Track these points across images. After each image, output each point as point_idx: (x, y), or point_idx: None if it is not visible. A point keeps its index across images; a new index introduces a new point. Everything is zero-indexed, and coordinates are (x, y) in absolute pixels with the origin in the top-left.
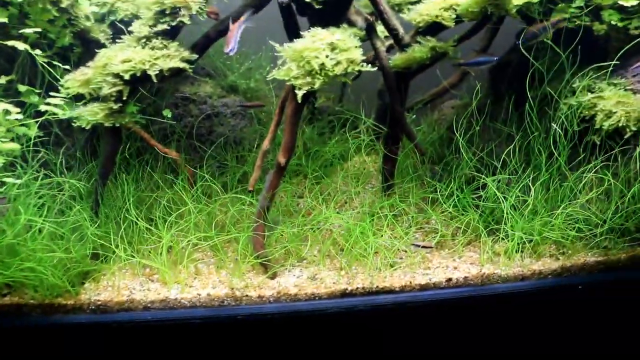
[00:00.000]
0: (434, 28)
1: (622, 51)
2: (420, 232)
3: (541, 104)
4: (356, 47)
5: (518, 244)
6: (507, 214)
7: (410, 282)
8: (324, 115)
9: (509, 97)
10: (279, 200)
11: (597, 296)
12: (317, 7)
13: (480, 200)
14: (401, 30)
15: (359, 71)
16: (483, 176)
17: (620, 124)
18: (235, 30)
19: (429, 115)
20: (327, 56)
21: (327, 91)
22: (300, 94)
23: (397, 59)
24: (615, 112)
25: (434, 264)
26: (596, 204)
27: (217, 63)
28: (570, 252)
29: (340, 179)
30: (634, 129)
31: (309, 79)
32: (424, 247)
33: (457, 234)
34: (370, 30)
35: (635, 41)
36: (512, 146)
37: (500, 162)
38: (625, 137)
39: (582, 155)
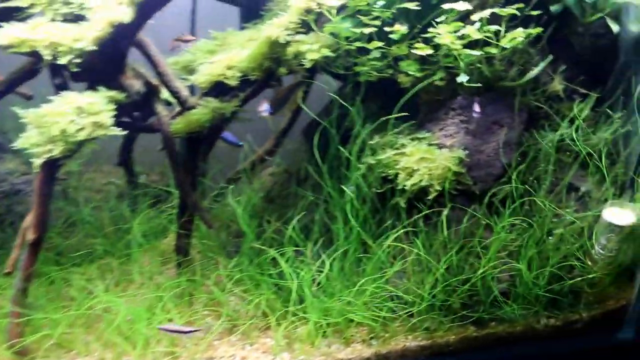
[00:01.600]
0: (219, 88)
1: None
2: (212, 316)
3: (344, 164)
4: (108, 110)
5: (318, 327)
6: (295, 293)
7: None
8: (144, 189)
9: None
10: (65, 286)
11: None
12: (73, 70)
13: (280, 278)
14: (184, 93)
15: None
16: (269, 249)
17: (423, 183)
18: None
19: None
20: (72, 121)
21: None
22: (37, 162)
23: (178, 122)
24: (417, 170)
25: (219, 353)
26: (413, 278)
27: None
28: (386, 335)
29: (145, 258)
30: (438, 188)
31: (49, 146)
32: (177, 332)
33: (255, 316)
34: (150, 95)
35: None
36: (301, 214)
37: (302, 233)
38: (430, 197)
39: (389, 222)
